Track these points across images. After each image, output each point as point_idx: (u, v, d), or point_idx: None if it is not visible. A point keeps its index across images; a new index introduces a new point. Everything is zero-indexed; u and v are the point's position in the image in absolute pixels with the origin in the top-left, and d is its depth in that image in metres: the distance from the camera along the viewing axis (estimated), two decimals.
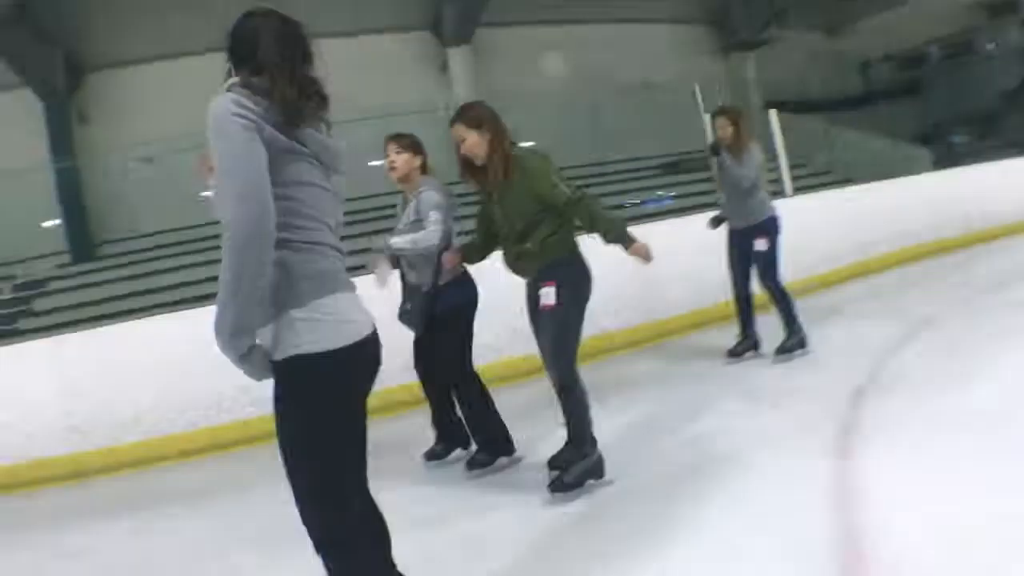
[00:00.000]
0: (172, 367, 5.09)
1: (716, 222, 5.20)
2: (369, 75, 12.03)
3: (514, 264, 3.32)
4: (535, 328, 3.32)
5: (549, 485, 3.07)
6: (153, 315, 6.06)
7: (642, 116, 13.27)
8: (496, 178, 3.17)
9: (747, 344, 5.05)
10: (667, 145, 13.15)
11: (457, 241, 3.72)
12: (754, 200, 4.89)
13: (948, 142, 15.69)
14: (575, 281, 3.19)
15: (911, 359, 4.33)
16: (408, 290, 3.72)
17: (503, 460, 3.68)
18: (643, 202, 12.31)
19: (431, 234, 3.48)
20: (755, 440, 3.31)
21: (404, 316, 3.66)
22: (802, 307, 5.00)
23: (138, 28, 11.47)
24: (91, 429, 5.03)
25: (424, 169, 3.77)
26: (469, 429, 3.76)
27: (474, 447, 3.75)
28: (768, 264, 4.88)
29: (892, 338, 4.82)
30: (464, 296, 3.70)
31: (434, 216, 3.51)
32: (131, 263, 11.30)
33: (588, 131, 12.89)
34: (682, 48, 15.48)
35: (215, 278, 2.19)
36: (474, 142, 3.15)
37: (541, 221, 3.17)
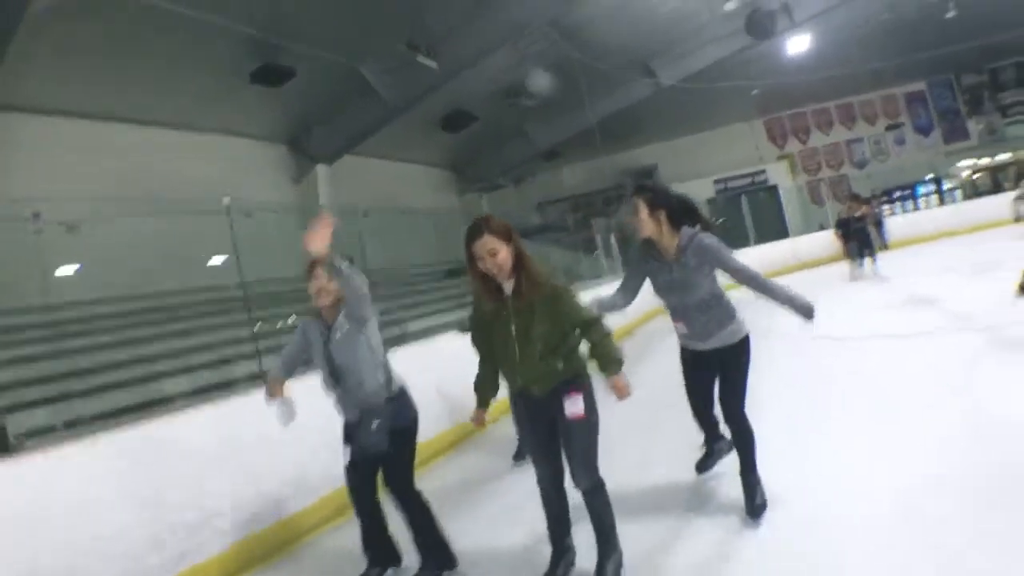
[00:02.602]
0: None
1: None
2: (226, 171, 14.49)
3: (531, 381, 3.49)
4: (540, 438, 3.60)
5: None
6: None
7: (418, 232, 19.44)
8: (526, 295, 3.37)
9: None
10: (439, 256, 19.45)
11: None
12: None
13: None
14: (592, 393, 3.51)
15: None
16: (361, 419, 3.93)
17: (446, 574, 4.00)
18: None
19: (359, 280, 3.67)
20: None
21: (371, 439, 3.86)
22: None
23: (48, 76, 11.35)
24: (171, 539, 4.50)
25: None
26: (415, 544, 4.02)
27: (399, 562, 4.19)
28: None
29: None
30: (414, 411, 4.11)
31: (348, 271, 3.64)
32: None
33: (389, 242, 18.34)
34: (436, 185, 22.21)
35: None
36: (504, 256, 3.32)
37: (563, 338, 3.44)
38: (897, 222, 21.69)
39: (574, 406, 3.40)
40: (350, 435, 4.00)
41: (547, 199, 26.28)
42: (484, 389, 3.74)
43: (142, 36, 11.12)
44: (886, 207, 23.97)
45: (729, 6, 16.38)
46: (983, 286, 9.67)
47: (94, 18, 10.21)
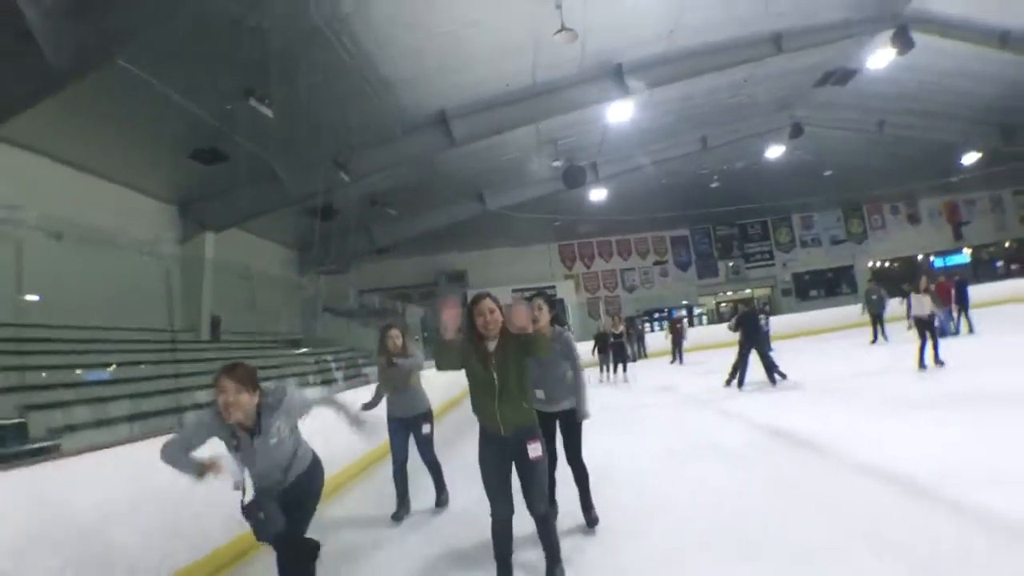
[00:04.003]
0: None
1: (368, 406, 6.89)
2: (120, 222, 15.51)
3: (505, 420, 4.46)
4: (502, 475, 4.51)
5: None
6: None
7: (269, 304, 23.26)
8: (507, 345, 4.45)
9: (406, 507, 7.00)
10: (285, 326, 23.46)
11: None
12: (416, 394, 7.07)
13: None
14: (544, 441, 4.56)
15: None
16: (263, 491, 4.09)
17: None
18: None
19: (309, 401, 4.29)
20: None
21: (264, 525, 4.01)
22: None
23: None
24: None
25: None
26: None
27: None
28: (430, 442, 7.07)
29: None
30: (323, 474, 4.50)
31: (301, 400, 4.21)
32: None
33: (251, 309, 22.03)
34: (285, 263, 25.89)
35: None
36: (498, 316, 4.43)
37: (527, 376, 4.55)
38: (655, 337, 28.64)
39: (535, 451, 4.47)
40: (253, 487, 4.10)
41: (370, 287, 30.96)
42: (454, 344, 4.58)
43: (109, 92, 12.66)
44: (647, 325, 31.19)
45: (555, 164, 22.63)
46: (704, 380, 15.61)
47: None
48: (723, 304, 37.12)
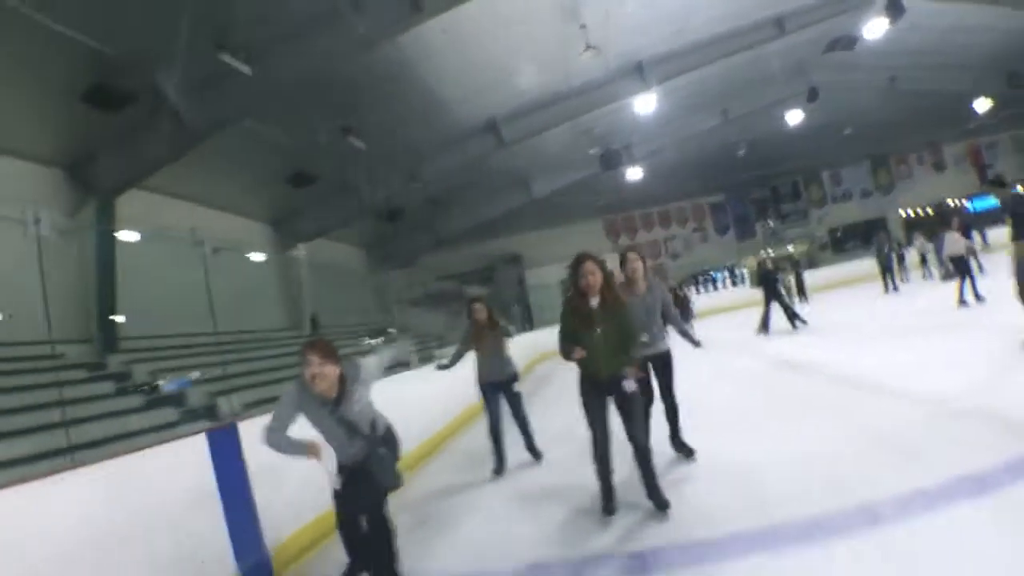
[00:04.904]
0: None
1: (442, 367, 8.14)
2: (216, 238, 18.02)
3: (607, 367, 5.04)
4: (602, 410, 5.16)
5: (663, 507, 4.98)
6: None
7: (348, 297, 26.54)
8: (610, 306, 5.04)
9: (503, 463, 7.66)
10: (369, 319, 26.55)
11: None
12: (506, 360, 7.77)
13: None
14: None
15: None
16: (370, 455, 4.40)
17: None
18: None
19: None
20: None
21: (385, 463, 4.46)
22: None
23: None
24: None
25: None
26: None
27: None
28: (520, 400, 7.81)
29: None
30: (397, 444, 4.70)
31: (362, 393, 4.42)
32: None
33: (334, 301, 25.25)
34: (357, 261, 29.25)
35: None
36: (599, 277, 5.02)
37: (627, 336, 5.10)
38: (699, 299, 30.87)
39: (630, 385, 5.03)
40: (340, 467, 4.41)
41: (433, 276, 33.90)
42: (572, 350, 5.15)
43: (225, 141, 15.57)
44: (692, 288, 33.62)
45: (592, 151, 25.44)
46: (739, 333, 18.10)
47: None
48: (763, 261, 38.84)
